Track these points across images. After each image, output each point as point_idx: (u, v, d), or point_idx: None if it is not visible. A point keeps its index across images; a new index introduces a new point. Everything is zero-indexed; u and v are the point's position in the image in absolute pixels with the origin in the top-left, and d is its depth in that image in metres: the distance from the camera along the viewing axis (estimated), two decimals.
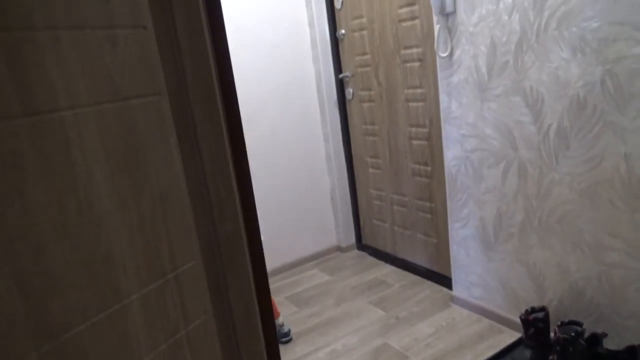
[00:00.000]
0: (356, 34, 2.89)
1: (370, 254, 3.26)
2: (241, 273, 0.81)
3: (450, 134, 2.26)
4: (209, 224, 0.76)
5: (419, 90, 2.56)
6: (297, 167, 3.14)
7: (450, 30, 2.13)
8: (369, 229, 3.27)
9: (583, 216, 1.81)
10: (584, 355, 1.72)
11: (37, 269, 0.53)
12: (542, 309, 1.92)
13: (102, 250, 0.59)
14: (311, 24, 3.03)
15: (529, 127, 1.91)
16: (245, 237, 0.81)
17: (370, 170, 3.10)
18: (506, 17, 1.88)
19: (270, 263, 3.05)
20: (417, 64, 2.53)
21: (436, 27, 2.18)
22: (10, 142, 0.50)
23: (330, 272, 3.10)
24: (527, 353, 1.91)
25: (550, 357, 1.75)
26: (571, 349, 1.71)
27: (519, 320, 1.97)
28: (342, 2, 2.93)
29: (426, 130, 2.58)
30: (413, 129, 2.67)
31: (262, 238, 0.86)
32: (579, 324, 1.78)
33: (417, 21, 2.46)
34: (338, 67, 3.10)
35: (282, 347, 2.30)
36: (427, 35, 2.40)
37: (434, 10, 2.13)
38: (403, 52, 2.60)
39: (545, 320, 1.89)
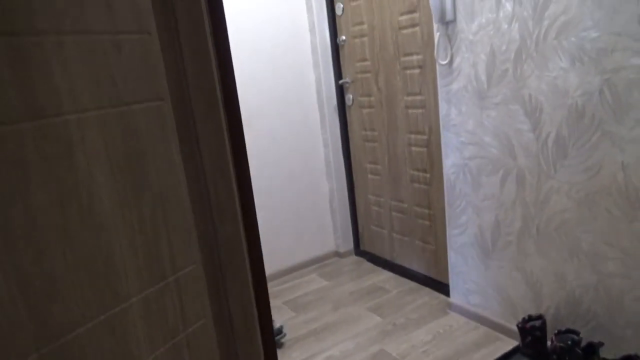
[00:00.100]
0: (357, 40, 2.91)
1: (368, 260, 3.27)
2: (240, 277, 0.81)
3: (449, 141, 2.27)
4: (209, 227, 0.76)
5: (418, 97, 2.58)
6: (297, 171, 3.14)
7: (450, 38, 2.15)
8: (367, 234, 3.27)
9: (581, 225, 1.82)
10: None
11: (38, 270, 0.54)
12: (539, 317, 1.93)
13: (102, 252, 0.60)
14: (312, 30, 3.04)
15: (528, 135, 1.92)
16: (245, 242, 0.82)
17: (369, 176, 3.10)
18: (506, 26, 1.90)
19: (269, 267, 3.05)
20: (417, 71, 2.54)
21: (436, 35, 2.19)
22: (15, 146, 0.51)
23: (328, 277, 3.10)
24: None
25: None
26: (568, 358, 1.72)
27: (516, 328, 1.97)
28: (343, 9, 2.95)
29: (425, 137, 2.59)
30: (412, 136, 2.68)
31: (261, 243, 0.87)
32: (576, 333, 1.79)
33: (417, 28, 2.48)
34: (338, 73, 3.11)
35: (279, 352, 2.29)
36: (427, 43, 2.42)
37: (434, 18, 2.14)
38: (403, 59, 2.61)
39: (542, 328, 1.89)
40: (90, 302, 0.59)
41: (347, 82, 3.07)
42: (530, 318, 1.94)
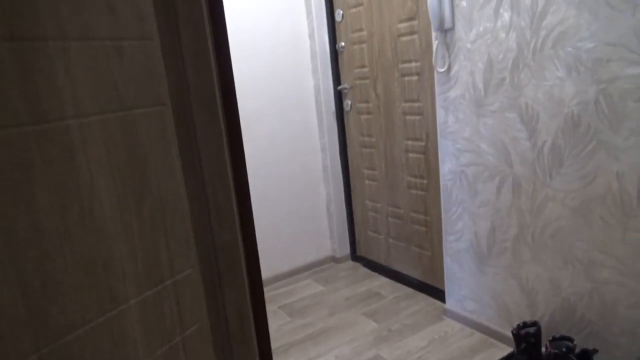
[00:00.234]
0: (356, 46, 2.93)
1: (365, 265, 3.27)
2: (237, 282, 0.82)
3: (446, 148, 2.29)
4: (207, 232, 0.77)
5: (416, 104, 2.59)
6: (294, 176, 3.15)
7: (448, 46, 2.16)
8: (364, 240, 3.28)
9: (576, 233, 1.83)
10: None
11: (39, 272, 0.54)
12: (534, 323, 1.94)
13: (102, 255, 0.61)
14: (311, 36, 3.06)
15: (524, 144, 1.94)
16: (242, 247, 0.82)
17: (367, 181, 3.12)
18: (503, 35, 1.92)
19: (265, 272, 3.05)
20: (415, 78, 2.56)
21: (434, 43, 2.21)
22: (18, 149, 0.51)
23: (324, 282, 3.10)
24: None
25: None
26: None
27: (511, 335, 1.98)
28: (343, 15, 2.97)
29: (422, 143, 2.61)
30: (410, 142, 2.69)
31: (258, 247, 0.87)
32: (570, 340, 1.80)
33: (416, 36, 2.49)
34: (337, 79, 3.13)
35: (274, 357, 2.29)
36: (426, 50, 2.44)
37: (433, 26, 2.16)
38: (401, 66, 2.63)
39: (537, 335, 1.90)
40: (89, 304, 0.60)
41: (345, 88, 3.08)
42: (525, 325, 1.94)
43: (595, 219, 1.75)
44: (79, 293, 0.59)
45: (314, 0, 3.00)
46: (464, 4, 2.04)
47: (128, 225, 0.64)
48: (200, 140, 0.73)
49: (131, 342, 0.65)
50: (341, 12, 2.97)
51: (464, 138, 2.18)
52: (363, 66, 2.91)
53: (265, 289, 3.04)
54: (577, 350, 1.79)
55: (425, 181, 2.65)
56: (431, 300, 2.71)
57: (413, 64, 2.55)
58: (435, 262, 2.68)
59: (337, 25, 3.04)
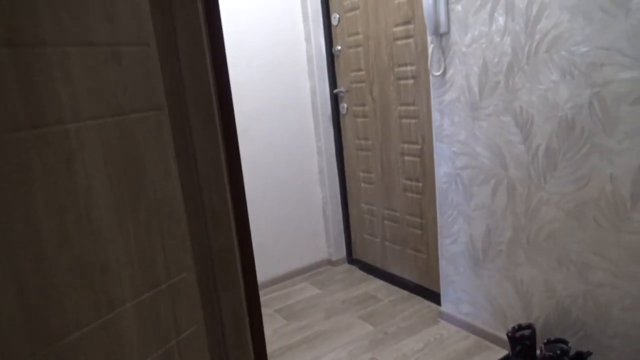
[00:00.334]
0: (352, 50, 2.94)
1: (361, 268, 3.28)
2: (233, 285, 0.82)
3: (442, 151, 2.30)
4: (203, 235, 0.77)
5: (412, 108, 2.60)
6: (290, 180, 3.16)
7: (443, 50, 2.18)
8: (360, 243, 3.29)
9: (570, 235, 1.84)
10: None
11: (36, 275, 0.55)
12: (529, 326, 1.94)
13: (99, 259, 0.61)
14: (308, 40, 3.07)
15: (519, 147, 1.95)
16: (238, 250, 0.83)
17: (362, 184, 3.12)
18: (498, 39, 1.93)
19: (261, 275, 3.06)
20: (410, 81, 2.57)
21: (430, 47, 2.22)
22: (16, 152, 0.52)
23: (320, 285, 3.11)
24: None
25: None
26: None
27: (506, 337, 1.99)
28: (339, 19, 2.98)
29: (418, 146, 2.62)
30: (405, 145, 2.70)
31: (254, 250, 0.88)
32: (565, 342, 1.81)
33: (411, 40, 2.51)
34: (333, 82, 3.14)
35: None
36: (421, 54, 2.45)
37: (429, 30, 2.17)
38: (397, 69, 2.64)
39: (532, 337, 1.91)
40: (85, 307, 0.60)
41: (341, 92, 3.09)
42: (520, 327, 1.95)
43: (589, 221, 1.77)
44: (76, 296, 0.59)
45: (311, 4, 3.01)
46: (459, 8, 2.05)
47: (124, 229, 0.64)
48: (196, 144, 0.74)
49: (127, 345, 0.65)
50: (337, 15, 2.98)
51: (460, 141, 2.19)
52: (359, 70, 2.92)
53: (261, 292, 3.04)
54: (571, 353, 1.80)
55: (420, 184, 2.66)
56: (427, 303, 2.71)
57: (409, 68, 2.56)
58: (431, 265, 2.69)
59: (333, 28, 3.05)
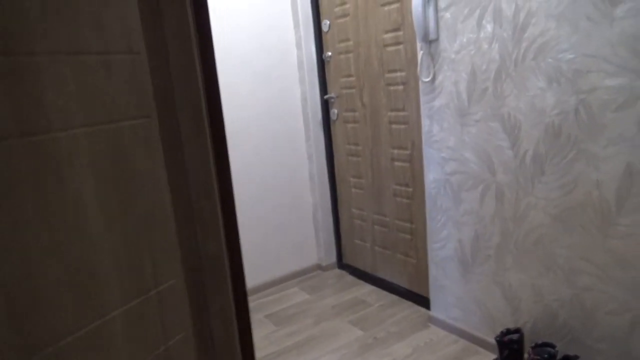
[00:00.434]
0: (342, 56, 2.96)
1: (351, 273, 3.28)
2: (222, 291, 0.82)
3: (431, 156, 2.32)
4: (192, 242, 0.77)
5: (402, 113, 2.62)
6: (281, 185, 3.16)
7: (432, 57, 2.20)
8: (350, 248, 3.29)
9: (557, 240, 1.86)
10: None
11: (23, 283, 0.55)
12: (517, 330, 1.96)
13: (87, 266, 0.61)
14: (299, 46, 3.09)
15: (507, 152, 1.97)
16: (227, 256, 0.83)
17: (353, 190, 3.13)
18: (486, 46, 1.95)
19: (251, 281, 3.05)
20: (400, 87, 2.59)
21: (419, 53, 2.24)
22: (4, 161, 0.52)
23: (311, 290, 3.11)
24: None
25: None
26: None
27: (494, 342, 2.00)
28: (330, 25, 3.00)
29: (408, 152, 2.63)
30: (395, 151, 2.72)
31: (243, 256, 0.88)
32: (552, 346, 1.82)
33: (401, 46, 2.53)
34: (323, 88, 3.15)
35: None
36: (411, 61, 2.47)
37: (418, 37, 2.19)
38: (387, 75, 2.66)
39: (520, 341, 1.92)
40: (73, 314, 0.60)
41: (332, 97, 3.11)
42: (509, 331, 1.97)
43: (576, 226, 1.79)
44: (64, 303, 0.59)
45: (302, 11, 3.02)
46: (448, 15, 2.08)
47: (113, 236, 0.64)
48: (186, 151, 0.74)
49: (115, 352, 0.65)
50: (328, 22, 3.00)
51: (449, 147, 2.21)
52: (349, 75, 2.93)
53: (251, 298, 3.04)
54: (559, 357, 1.82)
55: (410, 189, 2.67)
56: (416, 307, 2.72)
57: (398, 74, 2.58)
58: (421, 269, 2.70)
59: (324, 35, 3.07)
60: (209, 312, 0.82)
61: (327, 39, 3.05)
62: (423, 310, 2.67)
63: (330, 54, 3.04)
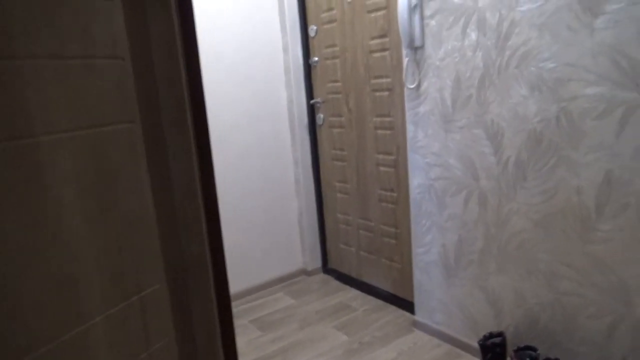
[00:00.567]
0: (328, 61, 2.97)
1: (336, 278, 3.28)
2: (205, 297, 0.82)
3: (416, 162, 2.34)
4: (175, 247, 0.77)
5: (387, 119, 2.64)
6: (266, 190, 3.15)
7: (418, 63, 2.22)
8: (335, 253, 3.30)
9: (539, 245, 1.89)
10: None
11: (3, 290, 0.54)
12: (500, 334, 1.98)
13: (68, 272, 0.60)
14: (285, 51, 3.09)
15: (490, 159, 2.00)
16: (211, 262, 0.83)
17: (338, 194, 3.14)
18: (470, 54, 1.98)
19: (236, 286, 3.04)
20: (386, 93, 2.61)
21: (405, 60, 2.27)
22: None
23: (295, 295, 3.10)
24: None
25: None
26: None
27: (477, 345, 2.02)
28: (316, 31, 3.01)
29: (393, 157, 2.65)
30: (380, 156, 2.74)
31: (228, 261, 0.88)
32: (534, 350, 1.85)
33: (387, 53, 2.55)
34: (310, 93, 3.16)
35: None
36: (397, 67, 2.49)
37: (403, 44, 2.22)
38: (373, 81, 2.68)
39: (503, 345, 1.94)
40: (53, 321, 0.59)
41: (318, 102, 3.12)
42: (491, 335, 1.99)
43: (557, 231, 1.82)
44: (44, 310, 0.58)
45: (289, 16, 3.03)
46: (433, 23, 2.10)
47: (95, 242, 0.64)
48: (170, 157, 0.74)
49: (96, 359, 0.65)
50: (315, 27, 3.01)
51: (433, 153, 2.23)
52: (336, 81, 2.95)
53: (236, 303, 3.02)
54: None
55: (395, 194, 2.69)
56: (401, 312, 2.74)
57: (384, 80, 2.60)
58: (405, 274, 2.72)
59: (310, 40, 3.08)
60: (192, 318, 0.82)
61: (313, 44, 3.06)
62: (407, 314, 2.68)
63: (316, 59, 3.06)
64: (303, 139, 3.20)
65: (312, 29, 3.04)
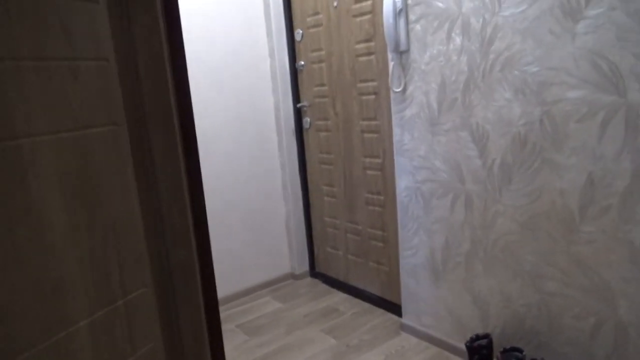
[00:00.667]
0: (315, 65, 2.98)
1: (324, 282, 3.28)
2: (192, 300, 0.81)
3: (403, 165, 2.35)
4: (162, 251, 0.77)
5: (373, 122, 2.65)
6: (253, 194, 3.14)
7: (403, 67, 2.24)
8: (323, 256, 3.30)
9: (524, 247, 1.91)
10: None
11: None
12: (486, 336, 2.00)
13: (51, 276, 0.60)
14: (272, 55, 3.09)
15: (475, 161, 2.02)
16: (198, 265, 0.82)
17: (325, 198, 3.14)
18: (455, 58, 2.00)
19: (223, 290, 3.02)
20: (372, 97, 2.63)
21: (391, 64, 2.28)
22: None
23: (283, 299, 3.09)
24: None
25: None
26: None
27: (464, 347, 2.03)
28: (302, 35, 3.02)
29: (380, 160, 2.66)
30: (367, 159, 2.75)
31: (215, 265, 0.87)
32: (520, 351, 1.86)
33: (373, 57, 2.56)
34: (296, 97, 3.16)
35: None
36: (382, 71, 2.51)
37: (389, 48, 2.23)
38: (359, 85, 2.69)
39: (489, 346, 1.96)
40: (36, 326, 0.58)
41: (305, 106, 3.12)
42: (478, 337, 2.00)
43: (542, 233, 1.84)
44: (26, 315, 0.57)
45: (274, 20, 3.04)
46: (418, 27, 2.12)
47: (79, 245, 0.63)
48: (156, 160, 0.73)
49: None
50: (301, 31, 3.02)
51: (419, 156, 2.25)
52: (322, 85, 2.95)
53: (223, 308, 3.00)
54: None
55: (382, 197, 2.70)
56: (389, 315, 2.74)
57: (370, 84, 2.62)
58: (393, 277, 2.72)
59: (296, 44, 3.09)
60: (179, 322, 0.81)
61: (300, 48, 3.07)
62: (395, 317, 2.69)
63: (303, 63, 3.06)
64: (290, 143, 3.20)
65: (298, 33, 3.04)
